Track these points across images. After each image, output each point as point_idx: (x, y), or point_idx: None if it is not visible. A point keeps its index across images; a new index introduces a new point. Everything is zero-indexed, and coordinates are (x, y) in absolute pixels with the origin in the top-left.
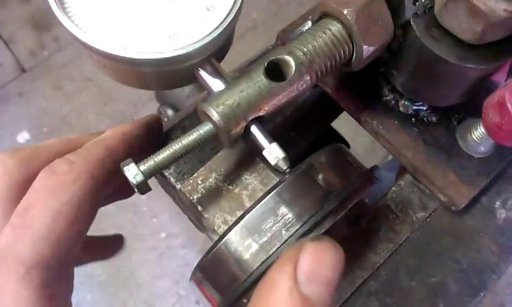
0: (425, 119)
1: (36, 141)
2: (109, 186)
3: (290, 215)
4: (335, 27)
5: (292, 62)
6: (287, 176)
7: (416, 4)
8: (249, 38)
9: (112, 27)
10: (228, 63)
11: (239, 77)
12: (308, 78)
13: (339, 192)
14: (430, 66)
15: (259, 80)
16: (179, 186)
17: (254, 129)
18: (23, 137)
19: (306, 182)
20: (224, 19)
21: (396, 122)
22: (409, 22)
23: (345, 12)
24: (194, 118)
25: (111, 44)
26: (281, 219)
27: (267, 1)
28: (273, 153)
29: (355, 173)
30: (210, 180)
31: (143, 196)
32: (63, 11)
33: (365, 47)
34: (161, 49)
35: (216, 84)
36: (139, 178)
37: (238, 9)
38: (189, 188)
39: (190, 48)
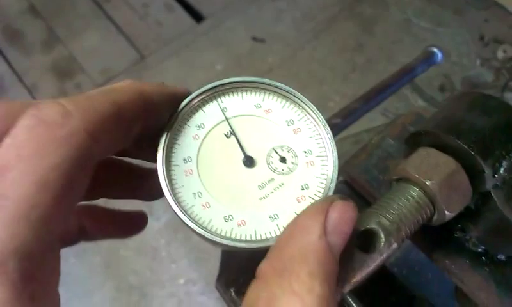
0: (494, 257)
1: None
2: (108, 153)
3: None
4: (417, 194)
5: (382, 234)
6: None
7: (496, 176)
8: None
9: (222, 212)
10: None
11: None
12: (396, 245)
13: None
14: (509, 232)
15: (352, 252)
16: None
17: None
18: None
19: None
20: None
21: (468, 261)
22: (489, 192)
23: (428, 183)
24: None
25: (220, 233)
26: None
27: (282, 46)
28: None
29: None
30: None
31: (163, 241)
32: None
33: (447, 212)
34: (267, 238)
35: None
36: None
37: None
38: None
39: None
